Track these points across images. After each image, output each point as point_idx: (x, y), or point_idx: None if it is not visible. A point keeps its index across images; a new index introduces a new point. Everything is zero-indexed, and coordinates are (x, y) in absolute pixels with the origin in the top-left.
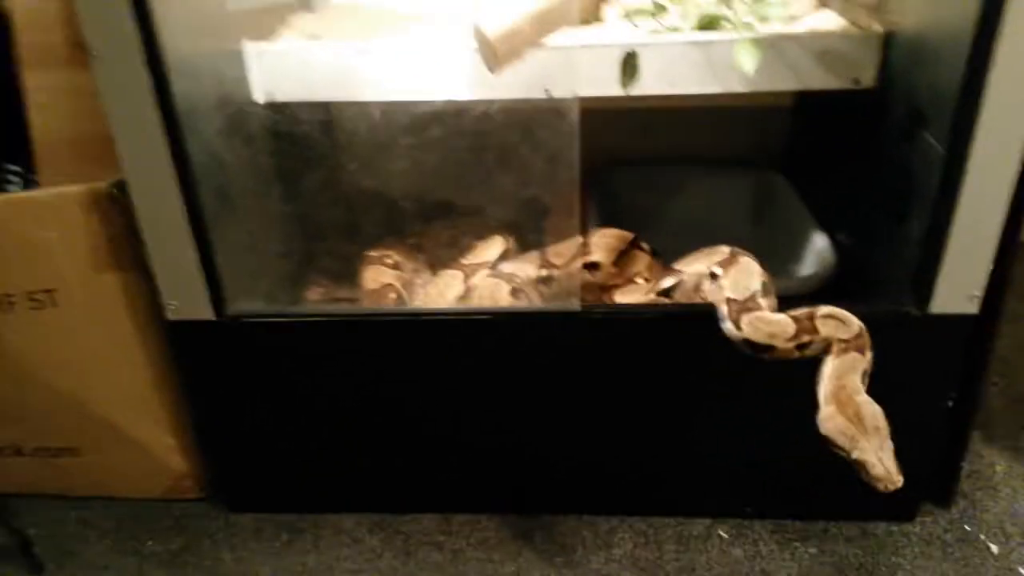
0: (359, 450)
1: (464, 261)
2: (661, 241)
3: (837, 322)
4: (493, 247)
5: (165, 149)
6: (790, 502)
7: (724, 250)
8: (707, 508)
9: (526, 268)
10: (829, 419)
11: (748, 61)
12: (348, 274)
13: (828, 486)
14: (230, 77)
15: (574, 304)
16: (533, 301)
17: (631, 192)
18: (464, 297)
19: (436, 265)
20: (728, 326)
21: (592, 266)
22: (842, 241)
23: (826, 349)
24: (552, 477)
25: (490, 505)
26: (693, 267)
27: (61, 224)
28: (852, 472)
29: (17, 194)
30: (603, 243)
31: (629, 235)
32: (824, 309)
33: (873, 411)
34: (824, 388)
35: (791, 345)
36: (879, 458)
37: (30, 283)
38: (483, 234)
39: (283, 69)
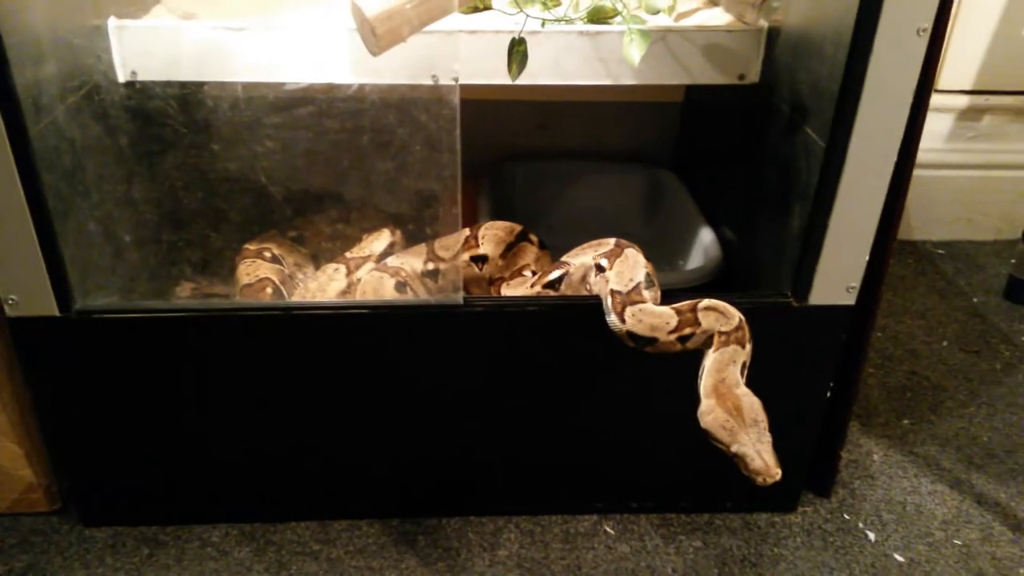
0: (226, 455)
1: (348, 254)
2: (553, 236)
3: (718, 314)
4: (380, 239)
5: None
6: (675, 495)
7: (610, 242)
8: (593, 504)
9: (412, 261)
10: (709, 412)
11: (635, 52)
12: (220, 268)
13: (712, 479)
14: (88, 54)
15: (457, 297)
16: (419, 295)
17: (524, 186)
18: (347, 292)
19: (320, 259)
20: (612, 319)
21: (480, 259)
22: (728, 235)
23: (707, 342)
24: (435, 478)
25: (370, 510)
26: (579, 259)
27: None
28: (733, 465)
29: None
30: (491, 235)
31: (517, 227)
32: (705, 301)
33: (752, 403)
34: (704, 381)
35: (673, 337)
36: (757, 451)
37: None
38: (370, 226)
39: (149, 47)
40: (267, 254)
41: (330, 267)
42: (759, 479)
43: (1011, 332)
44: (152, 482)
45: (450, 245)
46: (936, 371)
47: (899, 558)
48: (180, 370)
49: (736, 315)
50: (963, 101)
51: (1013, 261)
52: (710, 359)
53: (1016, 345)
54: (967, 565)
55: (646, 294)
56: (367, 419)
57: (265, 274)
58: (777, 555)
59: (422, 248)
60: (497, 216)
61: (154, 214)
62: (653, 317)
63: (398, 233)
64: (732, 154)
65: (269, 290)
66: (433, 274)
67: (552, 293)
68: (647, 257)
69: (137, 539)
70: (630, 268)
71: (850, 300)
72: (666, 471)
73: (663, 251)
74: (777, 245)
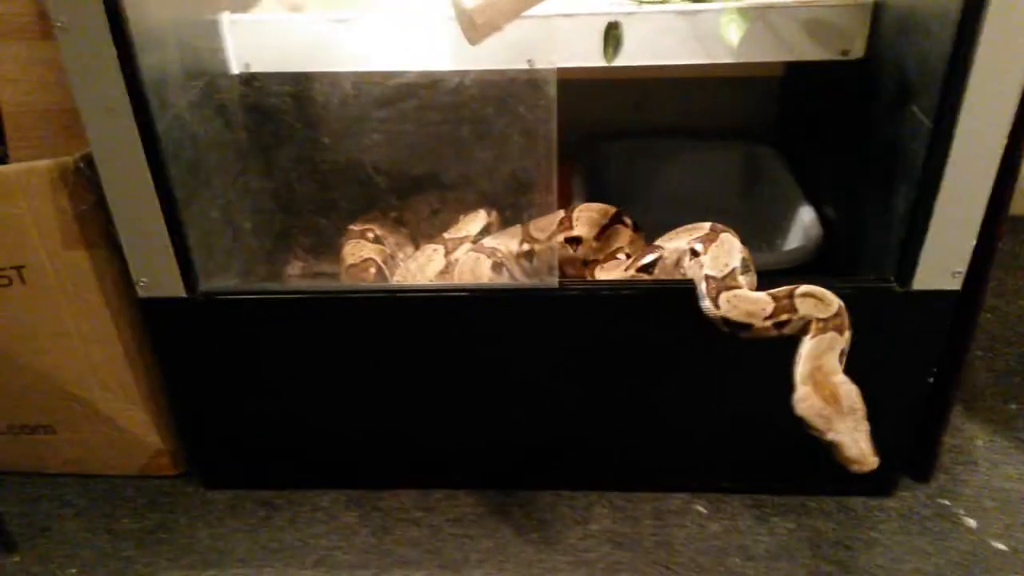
0: (337, 426)
1: (446, 235)
2: (648, 215)
3: (816, 301)
4: (476, 221)
5: (132, 122)
6: (768, 476)
7: (704, 226)
8: (685, 483)
9: (508, 242)
10: (804, 400)
11: (733, 32)
12: (328, 248)
13: (806, 460)
14: (205, 48)
15: (552, 280)
16: (515, 275)
17: (618, 165)
18: (445, 272)
19: (419, 238)
20: (707, 304)
21: (575, 240)
22: (829, 214)
23: (804, 328)
24: (531, 452)
25: (469, 481)
26: (673, 243)
27: (29, 199)
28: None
29: None
30: (585, 217)
31: (612, 209)
32: (803, 288)
33: (849, 391)
34: (800, 368)
35: (769, 324)
36: (854, 440)
37: None
38: (466, 207)
39: (260, 40)
40: (370, 235)
41: (429, 247)
42: (855, 467)
43: None
44: (268, 449)
45: (545, 227)
46: None
47: (1000, 546)
48: (294, 346)
49: (835, 302)
50: None
51: None
52: (807, 346)
53: None
54: None
55: (741, 279)
56: (464, 394)
57: (369, 255)
58: (872, 539)
59: (517, 230)
60: (591, 197)
61: (267, 200)
62: (748, 303)
63: (494, 214)
64: (835, 130)
65: (372, 270)
66: (528, 255)
67: (646, 277)
68: (743, 240)
69: (254, 502)
70: (725, 253)
71: (956, 285)
72: (759, 452)
73: (761, 230)
74: (880, 226)
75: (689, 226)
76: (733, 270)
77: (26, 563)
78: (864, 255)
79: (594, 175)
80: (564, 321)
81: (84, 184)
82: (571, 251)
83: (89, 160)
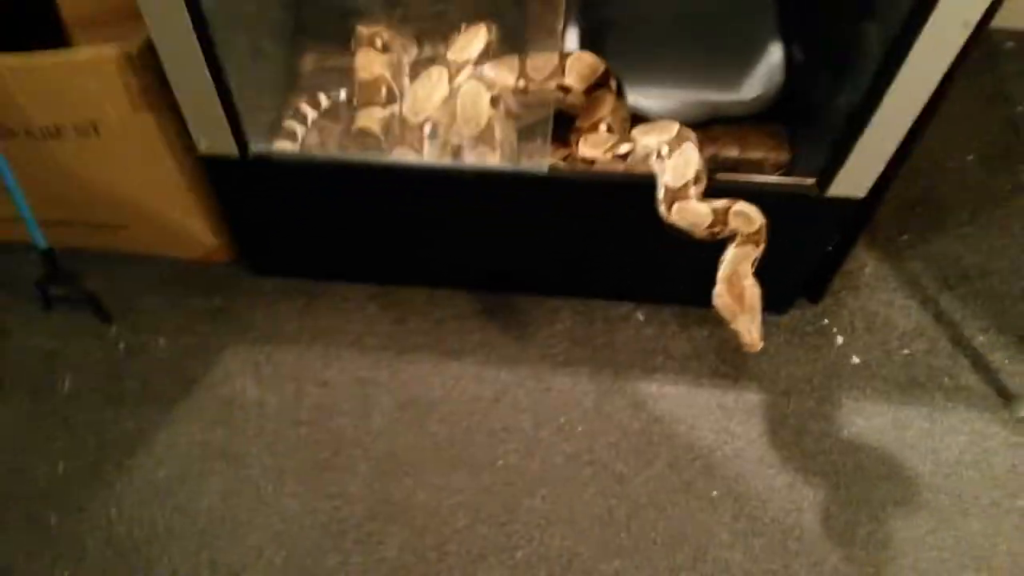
0: (361, 234)
1: (450, 56)
2: (629, 38)
3: (745, 217)
4: (478, 39)
5: (182, 6)
6: (693, 294)
7: (673, 128)
8: (631, 295)
9: (506, 76)
10: (719, 296)
11: None
12: (340, 42)
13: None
14: None
15: (543, 166)
16: (512, 109)
17: None
18: (448, 99)
19: (423, 37)
20: (662, 209)
21: (565, 88)
22: (798, 56)
23: (731, 238)
24: (515, 267)
25: (466, 283)
26: (645, 139)
27: (99, 78)
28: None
29: (58, 52)
30: (577, 68)
31: (601, 66)
32: (737, 206)
33: (753, 293)
34: (722, 270)
35: (706, 232)
36: (748, 330)
37: (75, 117)
38: (468, 13)
39: None
40: (378, 41)
41: (435, 71)
42: (746, 348)
43: None
44: (306, 248)
45: (540, 67)
46: (950, 187)
47: (856, 360)
48: (326, 190)
49: (758, 221)
50: None
51: None
52: (730, 252)
53: None
54: (906, 371)
55: (692, 190)
56: (466, 228)
57: (380, 70)
58: (762, 348)
59: (515, 62)
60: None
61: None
62: (693, 215)
63: (494, 30)
64: None
65: (384, 89)
66: (523, 91)
67: (619, 163)
68: (700, 142)
69: (297, 290)
70: (684, 164)
71: (861, 195)
72: (688, 276)
73: (731, 66)
74: (825, 111)
75: (661, 123)
76: (687, 182)
77: (122, 333)
78: (808, 128)
79: None
80: (552, 198)
81: (145, 64)
82: (562, 96)
83: (150, 44)
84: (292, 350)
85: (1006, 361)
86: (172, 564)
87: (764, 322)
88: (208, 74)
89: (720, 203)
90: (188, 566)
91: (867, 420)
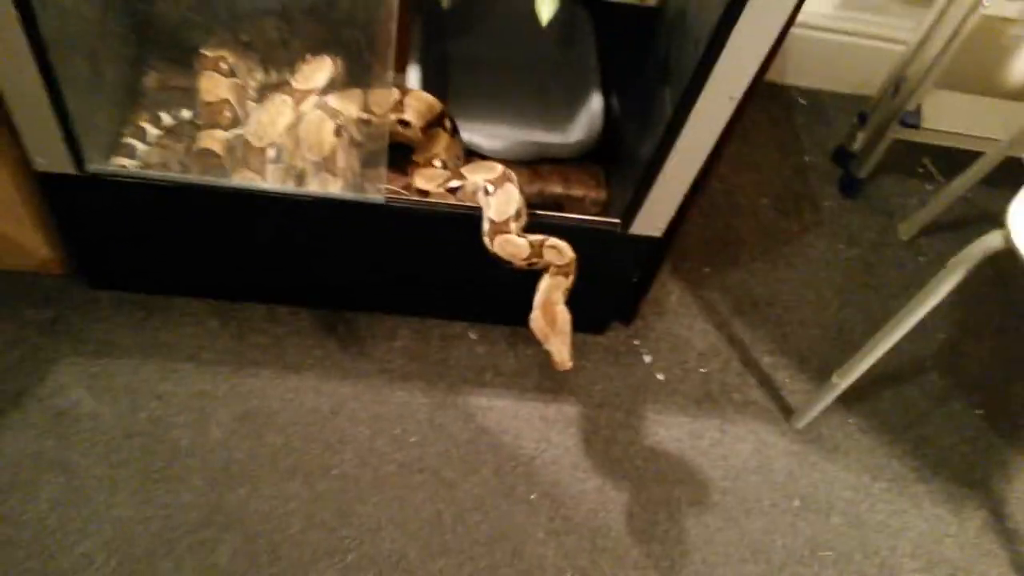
0: (199, 250)
1: (294, 84)
2: (467, 75)
3: (557, 251)
4: (322, 70)
5: (20, 27)
6: (521, 316)
7: (498, 169)
8: (464, 316)
9: (349, 107)
10: (534, 320)
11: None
12: (183, 62)
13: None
14: None
15: (378, 197)
16: (354, 137)
17: (455, 13)
18: (293, 126)
19: (268, 64)
20: (486, 240)
21: (404, 123)
22: (614, 105)
23: (545, 268)
24: (354, 286)
25: (307, 301)
26: (473, 176)
27: None
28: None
29: None
30: (415, 107)
31: (437, 107)
32: (550, 241)
33: (564, 319)
34: (537, 297)
35: (524, 263)
36: (559, 351)
37: None
38: (312, 42)
39: None
40: (223, 65)
41: (278, 98)
42: (557, 367)
43: (819, 196)
44: (143, 262)
45: (381, 102)
46: (748, 226)
47: (660, 377)
48: (163, 205)
49: (569, 255)
50: None
51: (846, 133)
52: (545, 281)
53: (819, 209)
54: (703, 387)
55: (513, 225)
56: (307, 247)
57: (224, 94)
58: (581, 365)
59: (359, 96)
60: (425, 50)
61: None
62: (512, 247)
63: (339, 63)
64: (634, 54)
65: (227, 113)
66: (367, 123)
67: (450, 197)
68: (521, 184)
69: (135, 303)
70: (505, 202)
71: (658, 233)
72: (515, 304)
73: (558, 111)
74: (631, 160)
75: (487, 163)
76: (508, 218)
77: None
78: (620, 167)
79: (432, 23)
80: (386, 225)
81: None
82: (401, 130)
83: None
84: (128, 363)
85: (787, 380)
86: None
87: (578, 343)
88: (45, 93)
89: (536, 238)
90: (15, 574)
91: (667, 430)
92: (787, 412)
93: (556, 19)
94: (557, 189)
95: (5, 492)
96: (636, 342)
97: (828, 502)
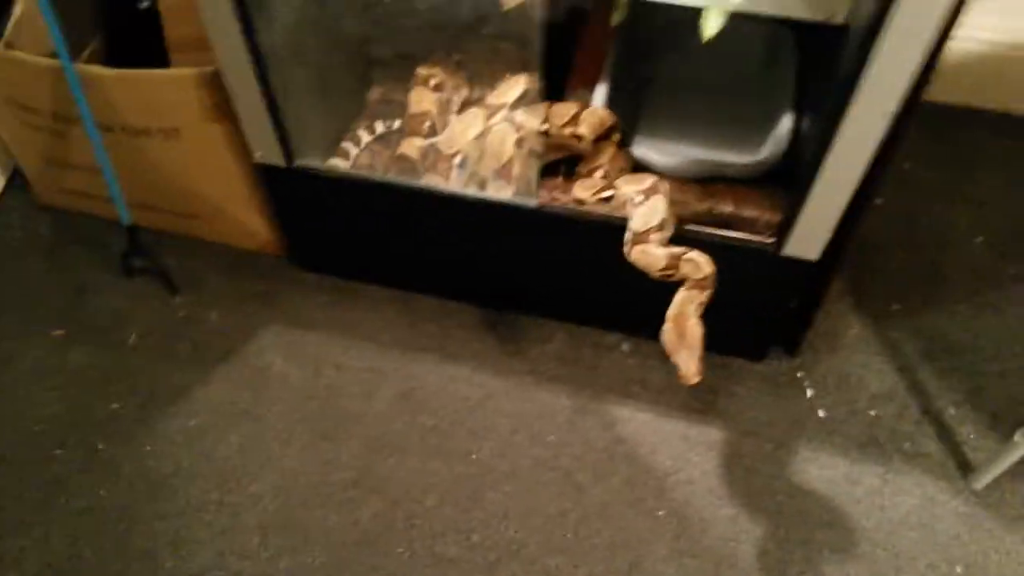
0: (387, 242)
1: (489, 99)
2: (662, 92)
3: (694, 265)
4: (517, 86)
5: (243, 45)
6: None
7: (649, 180)
8: (621, 326)
9: (532, 120)
10: (665, 332)
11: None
12: (404, 80)
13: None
14: None
15: (532, 201)
16: (534, 149)
17: (651, 30)
18: (481, 136)
19: (474, 79)
20: (626, 248)
21: (578, 136)
22: (803, 125)
23: (681, 281)
24: (519, 289)
25: (476, 299)
26: (625, 188)
27: (178, 93)
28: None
29: (152, 70)
30: (589, 121)
31: (609, 121)
32: (689, 254)
33: (695, 332)
34: (671, 309)
35: (659, 274)
36: (687, 364)
37: (161, 122)
38: (513, 64)
39: None
40: (432, 81)
41: (472, 111)
42: (681, 381)
43: None
44: (341, 248)
45: (560, 115)
46: (954, 264)
47: (821, 414)
48: (359, 200)
49: (706, 269)
50: None
51: None
52: (680, 294)
53: None
54: (869, 431)
55: (654, 236)
56: (476, 248)
57: (428, 107)
58: (733, 391)
59: (542, 110)
60: (618, 62)
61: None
62: (650, 258)
63: (535, 82)
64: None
65: (427, 124)
66: (545, 135)
67: (603, 206)
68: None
69: (331, 285)
70: (651, 212)
71: (814, 257)
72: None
73: (741, 131)
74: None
75: (640, 175)
76: (650, 228)
77: (184, 304)
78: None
79: (628, 34)
80: (543, 229)
81: (215, 85)
82: (575, 142)
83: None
84: (317, 336)
85: (971, 435)
86: (187, 496)
87: (732, 369)
88: (261, 98)
89: (676, 250)
90: (199, 501)
91: (820, 470)
92: (965, 470)
93: (757, 40)
94: (728, 208)
95: (204, 432)
96: (799, 374)
97: (998, 575)
